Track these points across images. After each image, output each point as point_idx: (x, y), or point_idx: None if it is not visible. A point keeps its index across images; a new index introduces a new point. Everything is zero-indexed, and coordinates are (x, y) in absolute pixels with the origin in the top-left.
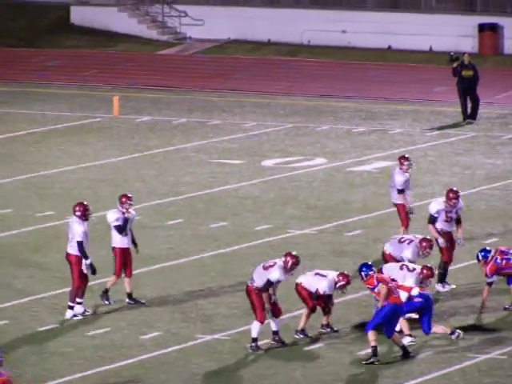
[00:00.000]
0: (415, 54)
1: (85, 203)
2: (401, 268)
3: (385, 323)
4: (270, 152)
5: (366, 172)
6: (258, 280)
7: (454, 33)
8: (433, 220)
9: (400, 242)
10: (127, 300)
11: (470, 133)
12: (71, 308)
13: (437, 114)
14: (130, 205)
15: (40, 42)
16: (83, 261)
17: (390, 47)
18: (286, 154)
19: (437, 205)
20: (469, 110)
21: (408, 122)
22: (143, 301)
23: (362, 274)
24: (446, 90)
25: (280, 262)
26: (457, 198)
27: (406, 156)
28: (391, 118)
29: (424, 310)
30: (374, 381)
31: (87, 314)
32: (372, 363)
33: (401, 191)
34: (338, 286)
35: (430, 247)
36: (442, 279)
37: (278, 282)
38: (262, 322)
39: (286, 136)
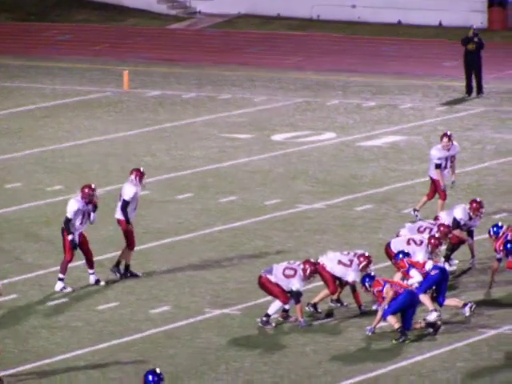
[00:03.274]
0: (425, 28)
1: (93, 186)
2: (408, 243)
3: (402, 312)
4: (279, 126)
5: (375, 147)
6: (280, 282)
7: (464, 8)
8: (457, 225)
9: (418, 230)
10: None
11: (479, 108)
12: (61, 280)
13: (446, 88)
14: (145, 179)
15: (50, 17)
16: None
17: (399, 22)
18: (296, 128)
19: (461, 212)
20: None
21: (418, 96)
22: (140, 273)
23: (366, 284)
24: (456, 64)
25: (299, 270)
26: (481, 208)
27: (448, 134)
28: (401, 92)
29: (440, 282)
30: (383, 356)
31: (101, 284)
32: (404, 341)
33: (437, 166)
34: (360, 267)
35: (440, 244)
36: (448, 258)
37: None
38: (285, 303)
39: (296, 110)
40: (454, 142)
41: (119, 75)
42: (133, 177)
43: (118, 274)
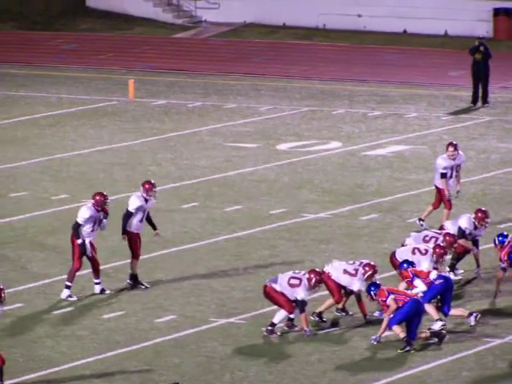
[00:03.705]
0: (430, 38)
1: (105, 194)
2: (413, 252)
3: (407, 321)
4: (285, 136)
5: (380, 156)
6: (285, 291)
7: (469, 17)
8: (462, 234)
9: (424, 240)
10: (128, 280)
11: (484, 117)
12: (67, 288)
13: (452, 98)
14: (155, 192)
15: (55, 26)
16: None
17: (405, 31)
18: (301, 137)
19: (466, 222)
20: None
21: (423, 106)
22: (147, 285)
23: (371, 293)
24: (461, 74)
25: (304, 279)
26: (486, 217)
27: (454, 143)
28: (406, 102)
29: (445, 292)
30: (389, 365)
31: (106, 293)
32: (409, 350)
33: (443, 175)
34: (366, 277)
35: (445, 253)
36: (453, 268)
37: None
38: (290, 313)
39: (302, 120)
40: (460, 152)
41: (125, 84)
42: (141, 188)
43: (141, 286)
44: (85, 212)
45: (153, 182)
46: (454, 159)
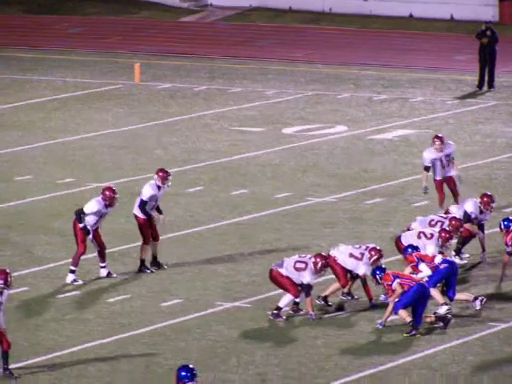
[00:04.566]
0: (436, 22)
1: (114, 188)
2: (418, 236)
3: (413, 306)
4: (290, 120)
5: (386, 140)
6: (291, 276)
7: (475, 1)
8: (468, 219)
9: (429, 224)
10: (151, 263)
11: (490, 101)
12: (72, 272)
13: (458, 82)
14: (169, 180)
15: (62, 9)
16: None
17: (411, 15)
18: (307, 121)
19: (472, 206)
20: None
21: (429, 90)
22: (165, 266)
23: (377, 277)
24: (467, 58)
25: (310, 263)
26: (492, 202)
27: (440, 136)
28: (412, 86)
29: (450, 276)
30: (394, 349)
31: (113, 277)
32: (414, 335)
33: (426, 168)
34: (371, 261)
35: (451, 237)
36: (459, 252)
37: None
38: (296, 297)
39: (307, 104)
40: (449, 141)
41: (130, 68)
42: (155, 177)
43: (147, 270)
44: (93, 205)
45: (167, 170)
46: (441, 151)
